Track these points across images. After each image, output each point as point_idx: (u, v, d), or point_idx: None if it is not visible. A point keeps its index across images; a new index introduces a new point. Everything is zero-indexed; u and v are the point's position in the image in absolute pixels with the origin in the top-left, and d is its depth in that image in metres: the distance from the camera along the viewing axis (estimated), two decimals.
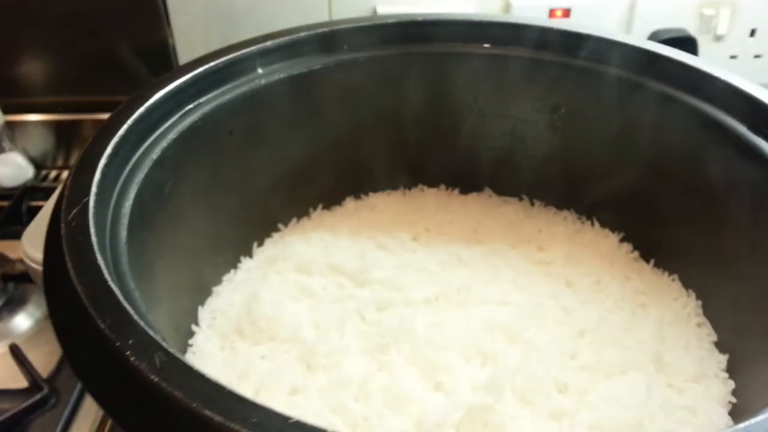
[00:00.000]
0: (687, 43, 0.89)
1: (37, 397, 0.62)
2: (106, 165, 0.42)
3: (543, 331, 0.54)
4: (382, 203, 0.70)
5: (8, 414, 0.59)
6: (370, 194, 0.71)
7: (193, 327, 0.56)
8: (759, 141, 0.50)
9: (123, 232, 0.40)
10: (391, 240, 0.65)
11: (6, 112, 0.97)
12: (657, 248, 0.62)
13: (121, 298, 0.31)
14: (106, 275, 0.33)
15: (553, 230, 0.66)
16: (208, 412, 0.26)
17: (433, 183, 0.73)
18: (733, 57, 0.95)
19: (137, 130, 0.46)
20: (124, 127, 0.45)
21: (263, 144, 0.61)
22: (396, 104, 0.66)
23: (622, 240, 0.65)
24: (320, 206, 0.69)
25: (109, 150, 0.43)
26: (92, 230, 0.36)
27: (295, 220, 0.68)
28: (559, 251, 0.64)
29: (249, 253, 0.64)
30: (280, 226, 0.67)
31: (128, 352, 0.28)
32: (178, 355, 0.28)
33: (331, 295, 0.58)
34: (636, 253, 0.64)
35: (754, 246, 0.52)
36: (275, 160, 0.63)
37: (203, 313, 0.57)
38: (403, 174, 0.71)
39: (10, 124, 0.99)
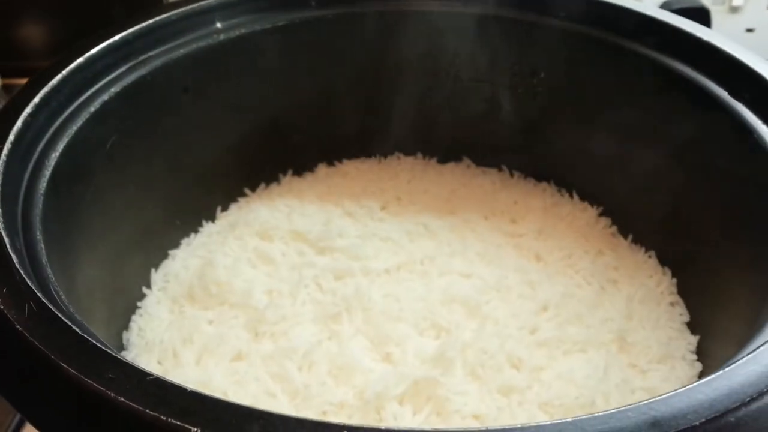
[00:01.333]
0: (699, 15, 0.85)
1: None
2: (31, 114, 0.40)
3: (504, 305, 0.52)
4: (355, 170, 0.68)
5: None
6: (344, 161, 0.69)
7: (144, 289, 0.54)
8: (737, 105, 0.46)
9: (41, 184, 0.38)
10: (359, 208, 0.62)
11: (4, 75, 0.97)
12: (636, 223, 0.59)
13: (8, 246, 0.30)
14: (0, 223, 0.31)
15: (530, 202, 0.63)
16: (65, 365, 0.24)
17: (410, 151, 0.70)
18: (749, 30, 0.90)
19: (73, 81, 0.44)
20: (58, 77, 0.43)
21: (224, 104, 0.59)
22: (367, 66, 0.63)
23: (601, 214, 0.62)
24: (290, 172, 0.67)
25: (36, 99, 0.41)
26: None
27: (263, 185, 0.66)
28: (533, 224, 0.61)
29: (212, 217, 0.62)
30: (247, 191, 0.65)
31: None
32: (51, 306, 0.27)
33: (289, 262, 0.56)
34: (614, 228, 0.61)
35: (735, 222, 0.49)
36: (238, 122, 0.61)
37: (156, 276, 0.56)
38: (377, 141, 0.69)
39: (7, 87, 0.98)
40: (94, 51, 0.47)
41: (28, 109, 0.40)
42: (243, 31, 0.57)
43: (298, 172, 0.67)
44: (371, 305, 0.51)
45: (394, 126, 0.68)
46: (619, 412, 0.22)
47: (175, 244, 0.59)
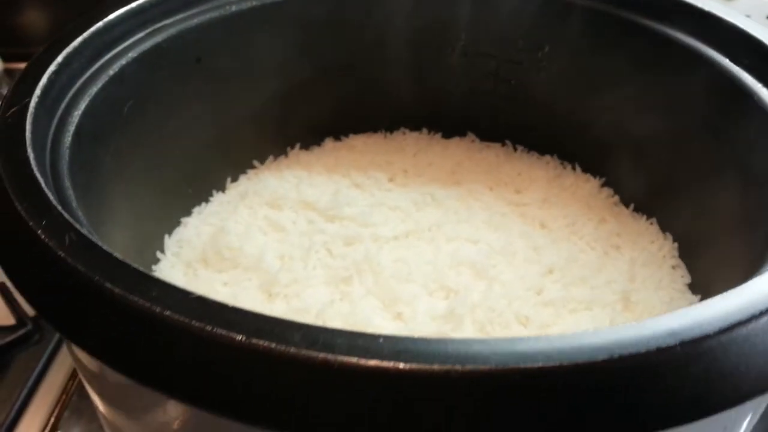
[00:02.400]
0: None
1: (21, 332, 0.63)
2: (55, 72, 0.41)
3: (510, 268, 0.53)
4: (362, 144, 0.69)
5: None
6: (351, 135, 0.70)
7: (158, 254, 0.55)
8: (739, 71, 0.48)
9: (66, 138, 0.39)
10: (367, 179, 0.64)
11: (5, 60, 0.98)
12: (638, 191, 0.61)
13: (43, 185, 0.31)
14: (33, 166, 0.32)
15: (533, 174, 0.65)
16: (109, 285, 0.25)
17: (415, 126, 0.71)
18: (747, 17, 0.92)
19: (93, 44, 0.45)
20: (79, 39, 0.44)
21: (234, 76, 0.60)
22: (377, 41, 0.64)
23: (603, 185, 0.63)
24: (298, 145, 0.68)
25: (59, 59, 0.42)
26: (28, 127, 0.35)
27: (271, 158, 0.67)
28: (537, 194, 0.62)
29: (222, 188, 0.63)
30: (256, 163, 0.66)
31: (39, 231, 0.28)
32: (89, 235, 0.28)
33: (299, 229, 0.58)
34: (616, 198, 0.62)
35: (733, 186, 0.50)
36: (248, 95, 0.62)
37: (170, 242, 0.57)
38: (384, 116, 0.70)
39: (10, 72, 0.99)
40: (112, 16, 0.48)
41: (51, 67, 0.41)
42: (254, 3, 0.58)
43: (306, 145, 0.69)
44: (381, 269, 0.53)
45: (401, 101, 0.69)
46: (637, 324, 0.24)
47: (187, 212, 0.60)
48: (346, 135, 0.70)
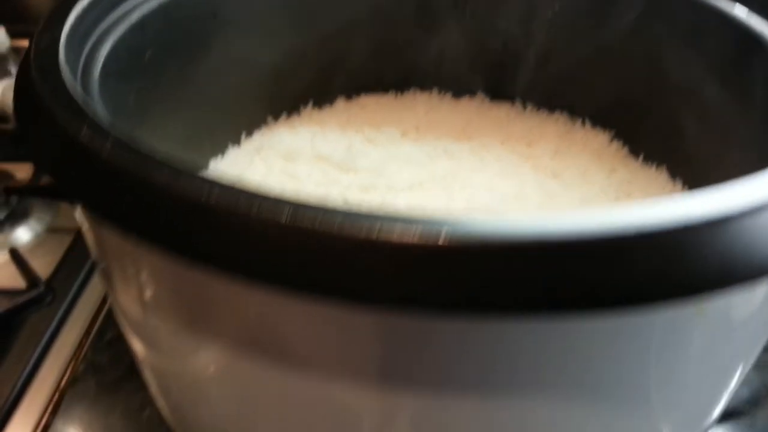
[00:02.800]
0: None
1: (33, 294, 0.64)
2: (80, 16, 0.42)
3: (525, 212, 0.54)
4: (373, 103, 0.70)
5: (3, 309, 0.61)
6: (362, 95, 0.71)
7: None
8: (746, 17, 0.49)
9: (96, 70, 0.40)
10: (380, 134, 0.65)
11: (13, 37, 0.98)
12: (647, 142, 0.62)
13: (80, 102, 0.32)
14: (70, 87, 0.33)
15: (544, 129, 0.66)
16: (156, 178, 0.26)
17: (425, 87, 0.72)
18: None
19: None
20: None
21: (249, 33, 0.60)
22: (384, 2, 0.65)
23: (613, 138, 0.64)
24: (311, 104, 0.69)
25: (85, 3, 0.43)
26: (61, 56, 0.36)
27: (285, 114, 0.68)
28: (548, 146, 0.63)
29: (237, 142, 0.64)
30: (270, 119, 0.67)
31: (80, 135, 0.29)
32: (129, 141, 0.29)
33: (315, 180, 0.59)
34: (626, 149, 0.63)
35: (735, 133, 0.52)
36: (262, 52, 0.62)
37: None
38: (394, 76, 0.71)
39: (17, 50, 0.99)
40: None
41: (76, 10, 0.42)
42: None
43: (318, 104, 0.70)
44: None
45: (410, 61, 0.70)
46: (664, 202, 0.25)
47: (205, 165, 0.61)
48: (357, 94, 0.71)
